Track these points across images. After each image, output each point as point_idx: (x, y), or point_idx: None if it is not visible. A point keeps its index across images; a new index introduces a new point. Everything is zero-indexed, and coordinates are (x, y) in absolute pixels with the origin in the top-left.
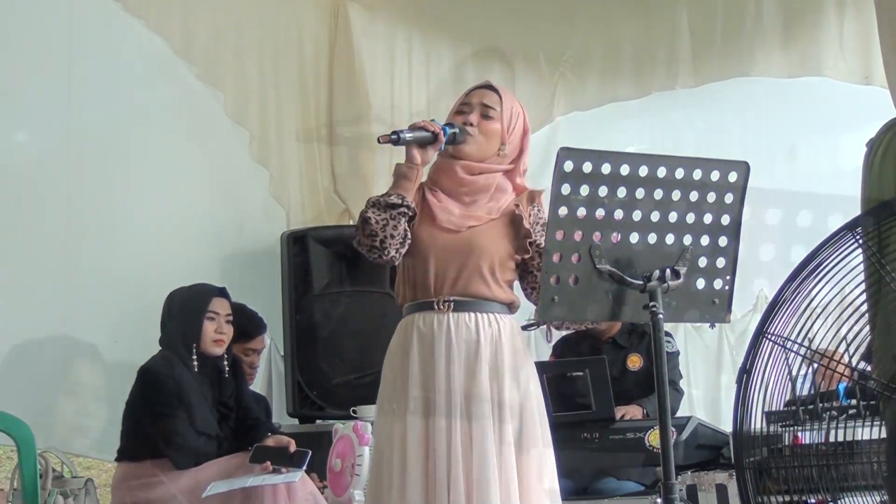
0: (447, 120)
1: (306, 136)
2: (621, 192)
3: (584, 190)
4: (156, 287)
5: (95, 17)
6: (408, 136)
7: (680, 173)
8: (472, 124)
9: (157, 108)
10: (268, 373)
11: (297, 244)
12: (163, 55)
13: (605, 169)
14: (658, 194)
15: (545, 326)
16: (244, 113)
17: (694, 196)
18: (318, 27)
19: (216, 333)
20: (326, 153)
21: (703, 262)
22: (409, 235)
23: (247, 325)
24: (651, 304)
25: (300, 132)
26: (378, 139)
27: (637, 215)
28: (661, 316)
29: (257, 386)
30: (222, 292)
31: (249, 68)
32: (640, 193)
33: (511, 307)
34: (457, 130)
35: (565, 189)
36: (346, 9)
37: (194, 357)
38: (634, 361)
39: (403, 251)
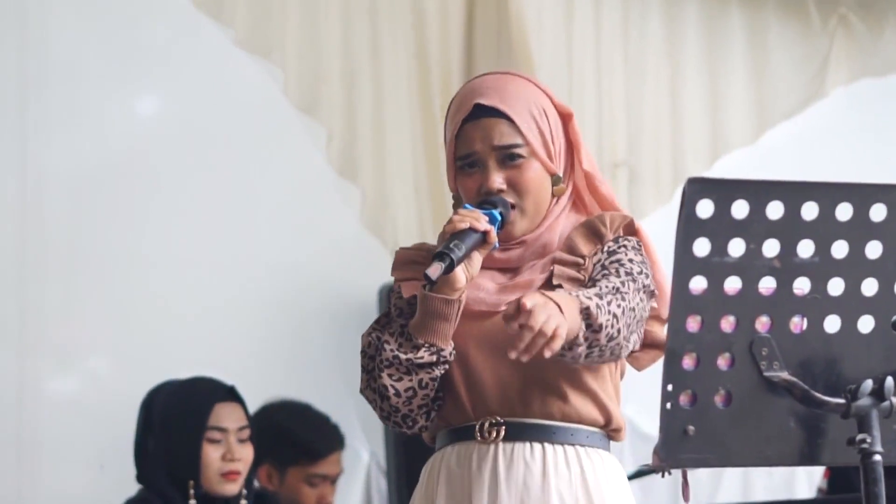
0: (451, 181)
1: (426, 125)
2: (805, 249)
3: (737, 247)
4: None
5: None
6: (462, 251)
7: None
8: (501, 190)
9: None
10: None
11: None
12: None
13: (774, 211)
14: (874, 250)
15: (681, 478)
16: (311, 89)
17: None
18: None
19: (225, 462)
20: None
21: None
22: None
23: (310, 438)
24: (860, 436)
25: (415, 120)
26: (426, 279)
27: (836, 286)
28: (877, 458)
29: None
30: (230, 394)
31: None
32: (839, 250)
33: (609, 431)
34: (501, 209)
35: (701, 248)
36: None
37: (192, 501)
38: None
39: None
